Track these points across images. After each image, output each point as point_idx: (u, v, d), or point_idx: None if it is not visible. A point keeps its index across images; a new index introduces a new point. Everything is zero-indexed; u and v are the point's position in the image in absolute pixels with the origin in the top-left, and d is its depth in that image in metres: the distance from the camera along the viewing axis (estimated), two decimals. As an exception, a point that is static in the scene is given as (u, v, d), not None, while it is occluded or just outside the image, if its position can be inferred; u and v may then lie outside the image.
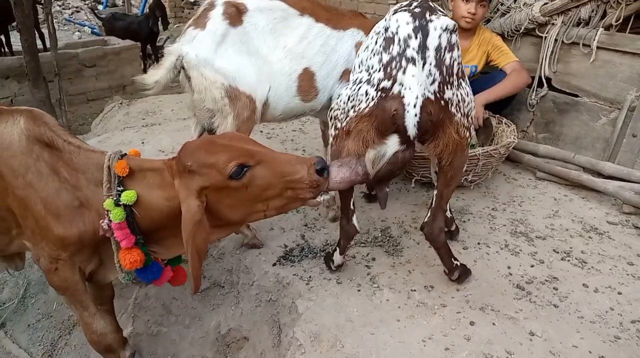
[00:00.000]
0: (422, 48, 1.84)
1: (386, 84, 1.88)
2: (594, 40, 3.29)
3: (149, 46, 9.08)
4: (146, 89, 2.41)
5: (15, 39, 8.50)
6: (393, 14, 1.96)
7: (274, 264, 2.66)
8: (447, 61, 1.90)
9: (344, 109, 2.08)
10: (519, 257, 2.64)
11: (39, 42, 7.20)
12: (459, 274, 2.37)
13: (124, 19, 8.97)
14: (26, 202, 1.90)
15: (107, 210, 1.88)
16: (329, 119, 2.26)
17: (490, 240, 2.78)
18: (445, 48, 1.88)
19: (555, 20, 3.48)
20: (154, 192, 1.91)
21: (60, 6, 16.25)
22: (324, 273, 2.53)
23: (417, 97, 1.83)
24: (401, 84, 1.85)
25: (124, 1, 13.78)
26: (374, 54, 1.98)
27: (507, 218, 3.00)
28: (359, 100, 1.99)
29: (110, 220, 1.89)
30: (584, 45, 3.36)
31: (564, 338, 2.09)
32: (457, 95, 1.98)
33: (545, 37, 3.53)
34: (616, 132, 3.26)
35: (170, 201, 1.88)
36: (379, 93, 1.91)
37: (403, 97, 1.85)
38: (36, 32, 6.74)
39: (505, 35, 3.75)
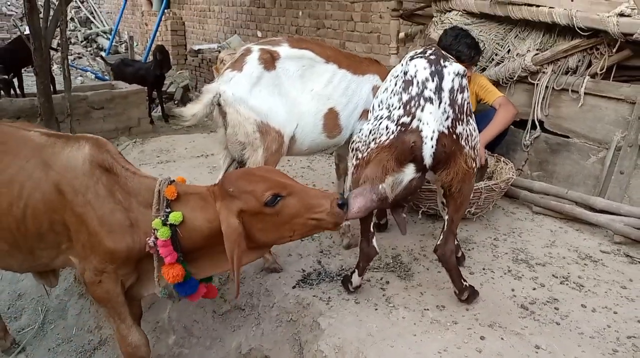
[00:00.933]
0: (439, 89, 2.13)
1: (406, 119, 2.16)
2: (581, 86, 3.63)
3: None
4: (184, 120, 2.68)
5: (26, 82, 8.87)
6: (410, 60, 2.27)
7: (294, 287, 2.84)
8: (459, 101, 2.19)
9: (365, 141, 2.35)
10: (521, 281, 2.85)
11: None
12: (468, 295, 2.56)
13: (133, 64, 9.36)
14: (83, 218, 2.12)
15: (155, 229, 2.10)
16: (350, 151, 2.52)
17: (494, 266, 2.99)
18: (458, 90, 2.18)
19: (546, 69, 3.83)
20: (197, 214, 2.14)
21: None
22: (342, 294, 2.71)
23: (433, 131, 2.11)
24: (419, 120, 2.13)
25: (127, 48, 14.30)
26: (394, 94, 2.27)
27: (508, 247, 3.22)
28: (380, 133, 2.26)
29: (156, 238, 2.10)
30: (572, 91, 3.70)
31: (567, 351, 2.28)
32: (466, 130, 2.26)
33: (537, 84, 3.88)
34: (605, 170, 3.55)
35: (210, 222, 2.12)
36: (399, 127, 2.18)
37: (421, 131, 2.12)
38: (48, 75, 7.06)
39: (500, 82, 4.10)
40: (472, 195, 3.05)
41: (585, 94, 3.64)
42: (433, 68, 2.16)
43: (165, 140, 5.50)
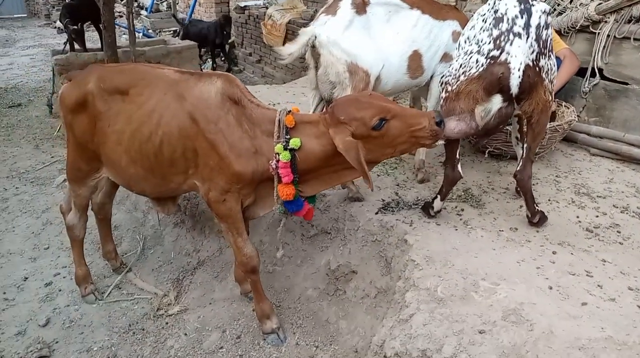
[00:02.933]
0: (527, 25, 2.39)
1: (495, 53, 2.43)
2: (643, 34, 3.79)
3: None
4: (282, 59, 2.99)
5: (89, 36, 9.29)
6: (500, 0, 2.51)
7: (376, 213, 3.19)
8: (544, 36, 2.44)
9: (455, 74, 2.63)
10: (584, 210, 3.14)
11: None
12: (539, 218, 2.88)
13: (197, 24, 10.20)
14: (215, 143, 2.46)
15: (277, 153, 2.43)
16: (439, 85, 2.80)
17: (558, 198, 3.29)
18: (543, 26, 2.43)
19: (608, 18, 3.99)
20: (312, 139, 2.46)
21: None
22: (423, 218, 3.05)
23: (521, 63, 2.38)
24: (508, 53, 2.39)
25: (169, 6, 14.54)
26: (484, 30, 2.53)
27: (569, 183, 3.50)
28: (469, 67, 2.54)
29: (278, 161, 2.44)
30: (635, 39, 3.86)
31: (631, 264, 2.59)
32: (547, 64, 2.52)
33: (599, 32, 4.04)
34: (662, 115, 3.75)
35: (324, 146, 2.44)
36: (489, 60, 2.45)
37: (509, 63, 2.39)
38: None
39: (562, 32, 4.27)
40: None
41: (646, 41, 3.80)
42: (522, 6, 2.42)
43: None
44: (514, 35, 2.39)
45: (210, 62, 10.28)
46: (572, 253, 2.67)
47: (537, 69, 2.45)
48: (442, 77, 2.78)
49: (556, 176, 3.60)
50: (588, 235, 2.86)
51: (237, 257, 2.81)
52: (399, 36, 3.07)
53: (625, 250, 2.73)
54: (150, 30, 12.89)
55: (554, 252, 2.66)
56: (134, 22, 15.67)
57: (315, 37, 2.96)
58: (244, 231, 2.74)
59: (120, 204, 4.41)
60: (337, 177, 2.57)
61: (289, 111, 2.52)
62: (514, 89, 2.41)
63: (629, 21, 3.94)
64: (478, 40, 2.55)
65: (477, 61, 2.50)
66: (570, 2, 4.24)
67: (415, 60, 3.13)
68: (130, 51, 7.22)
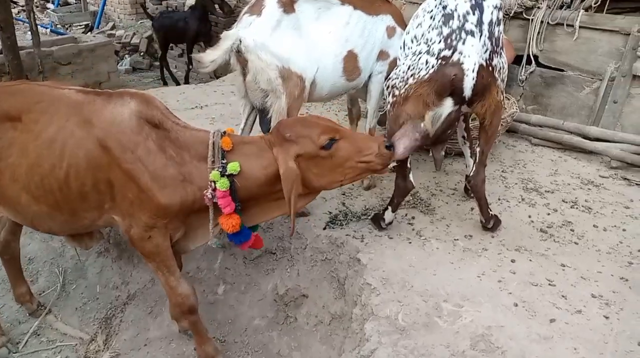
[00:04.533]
0: (480, 22, 2.19)
1: (447, 52, 2.22)
2: (576, 20, 3.75)
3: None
4: (203, 67, 2.63)
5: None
6: None
7: (324, 228, 2.94)
8: (496, 34, 2.26)
9: (403, 77, 2.40)
10: (535, 207, 3.05)
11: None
12: (494, 223, 2.74)
13: (171, 16, 8.32)
14: (133, 174, 2.10)
15: (213, 181, 2.11)
16: (385, 89, 2.56)
17: (507, 195, 3.18)
18: (495, 22, 2.25)
19: (541, 3, 3.92)
20: (252, 162, 2.17)
21: (5, 5, 15.56)
22: (374, 231, 2.84)
23: (475, 64, 2.18)
24: (461, 53, 2.19)
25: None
26: (432, 28, 2.30)
27: (516, 177, 3.41)
28: (418, 68, 2.31)
29: (214, 190, 2.12)
30: (567, 25, 3.81)
31: (589, 267, 2.51)
32: (500, 63, 2.35)
33: (532, 19, 3.97)
34: (599, 100, 3.74)
35: (266, 169, 2.16)
36: (440, 61, 2.23)
37: (462, 63, 2.19)
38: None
39: (495, 19, 4.17)
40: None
41: (579, 27, 3.76)
42: (473, 1, 2.21)
43: (154, 93, 5.33)
44: (467, 33, 2.19)
45: (128, 60, 9.51)
46: (530, 260, 2.55)
47: (491, 68, 2.27)
48: (388, 80, 2.55)
49: (502, 171, 3.50)
50: (543, 237, 2.76)
51: (171, 298, 2.47)
52: (331, 35, 2.79)
53: (581, 250, 2.65)
54: (58, 26, 11.83)
55: (512, 260, 2.54)
56: (39, 18, 14.35)
57: (240, 41, 2.61)
58: (175, 268, 2.41)
59: (34, 232, 3.89)
60: (283, 204, 2.25)
61: (224, 132, 2.20)
62: (467, 91, 2.22)
63: (561, 7, 3.89)
64: (427, 39, 2.33)
65: (426, 62, 2.28)
66: (502, -12, 4.13)
67: (350, 61, 2.86)
68: (35, 53, 6.49)
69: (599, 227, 2.84)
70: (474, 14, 2.18)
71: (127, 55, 9.74)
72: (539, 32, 3.97)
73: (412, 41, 2.44)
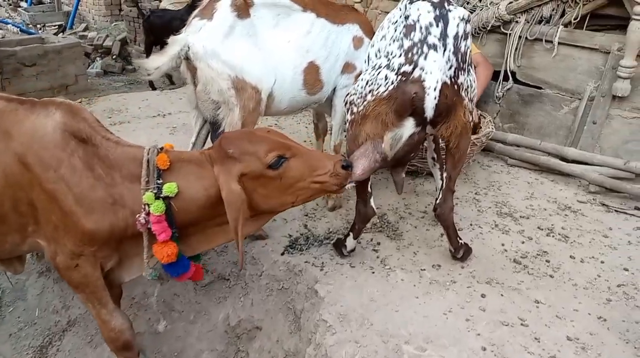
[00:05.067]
0: (443, 36, 1.97)
1: (407, 68, 2.00)
2: (555, 36, 3.59)
3: None
4: (147, 74, 2.38)
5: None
6: (410, 3, 2.08)
7: (282, 253, 2.70)
8: (462, 49, 2.05)
9: (361, 93, 2.18)
10: (509, 235, 2.85)
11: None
12: (463, 252, 2.53)
13: (164, 15, 7.60)
14: (55, 195, 1.84)
15: (146, 204, 1.86)
16: (344, 105, 2.34)
17: (480, 221, 2.98)
18: (462, 36, 2.04)
19: (519, 18, 3.76)
20: (192, 182, 1.92)
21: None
22: (335, 258, 2.61)
23: (437, 81, 1.96)
24: (422, 69, 1.97)
25: (52, -1, 13.02)
26: (394, 41, 2.09)
27: (490, 201, 3.22)
28: (377, 84, 2.09)
29: (147, 214, 1.87)
30: (546, 41, 3.65)
31: (565, 304, 2.31)
32: (467, 81, 2.14)
33: (510, 33, 3.81)
34: (577, 120, 3.58)
35: (208, 190, 1.92)
36: (399, 77, 2.02)
37: (424, 81, 1.97)
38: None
39: (472, 33, 3.99)
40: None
41: (558, 43, 3.60)
42: (437, 12, 2.00)
43: (116, 99, 5.05)
44: (429, 47, 1.97)
45: (99, 62, 9.17)
46: (502, 295, 2.34)
47: (456, 87, 2.05)
48: (347, 96, 2.32)
49: (475, 193, 3.31)
50: (516, 268, 2.55)
51: (104, 333, 2.20)
52: (290, 45, 2.56)
53: (557, 284, 2.45)
54: (30, 26, 11.41)
55: (482, 295, 2.32)
56: (12, 16, 13.88)
57: (189, 47, 2.37)
58: (108, 300, 2.14)
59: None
60: (228, 230, 1.97)
61: (161, 148, 1.95)
62: (429, 111, 2.00)
63: (540, 22, 3.73)
64: (387, 52, 2.11)
65: (386, 77, 2.06)
66: (480, 0, 3.97)
67: (312, 74, 2.63)
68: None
69: (576, 258, 2.65)
70: (437, 26, 1.97)
71: (98, 58, 9.39)
72: (516, 48, 3.81)
73: (375, 54, 2.22)
